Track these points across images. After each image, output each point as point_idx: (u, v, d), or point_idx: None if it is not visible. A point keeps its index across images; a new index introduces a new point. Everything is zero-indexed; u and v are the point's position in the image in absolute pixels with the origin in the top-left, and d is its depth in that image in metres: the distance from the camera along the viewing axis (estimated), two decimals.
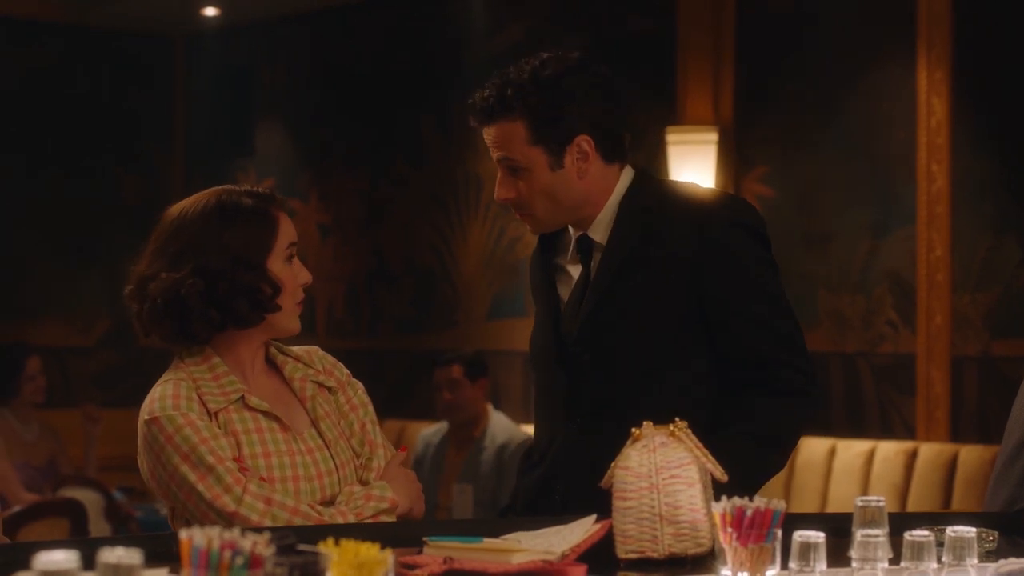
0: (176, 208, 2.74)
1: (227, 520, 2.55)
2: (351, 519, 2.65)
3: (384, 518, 2.70)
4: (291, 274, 2.73)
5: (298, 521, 2.59)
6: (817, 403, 2.99)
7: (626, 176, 3.06)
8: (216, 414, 2.66)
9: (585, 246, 3.06)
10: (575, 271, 3.08)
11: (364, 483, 2.75)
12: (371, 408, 2.88)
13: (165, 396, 2.65)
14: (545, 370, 3.12)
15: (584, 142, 2.98)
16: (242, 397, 2.69)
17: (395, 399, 8.60)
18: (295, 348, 2.86)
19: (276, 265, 2.71)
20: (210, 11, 9.65)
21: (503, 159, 2.99)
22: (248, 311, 2.68)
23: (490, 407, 6.75)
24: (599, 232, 3.04)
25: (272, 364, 2.80)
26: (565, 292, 3.09)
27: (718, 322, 2.95)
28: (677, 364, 2.94)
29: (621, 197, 3.04)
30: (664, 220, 3.00)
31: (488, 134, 3.01)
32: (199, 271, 2.65)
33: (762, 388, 2.94)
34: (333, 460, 2.73)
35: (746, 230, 2.99)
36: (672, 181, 3.15)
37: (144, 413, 2.66)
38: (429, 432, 6.90)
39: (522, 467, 3.17)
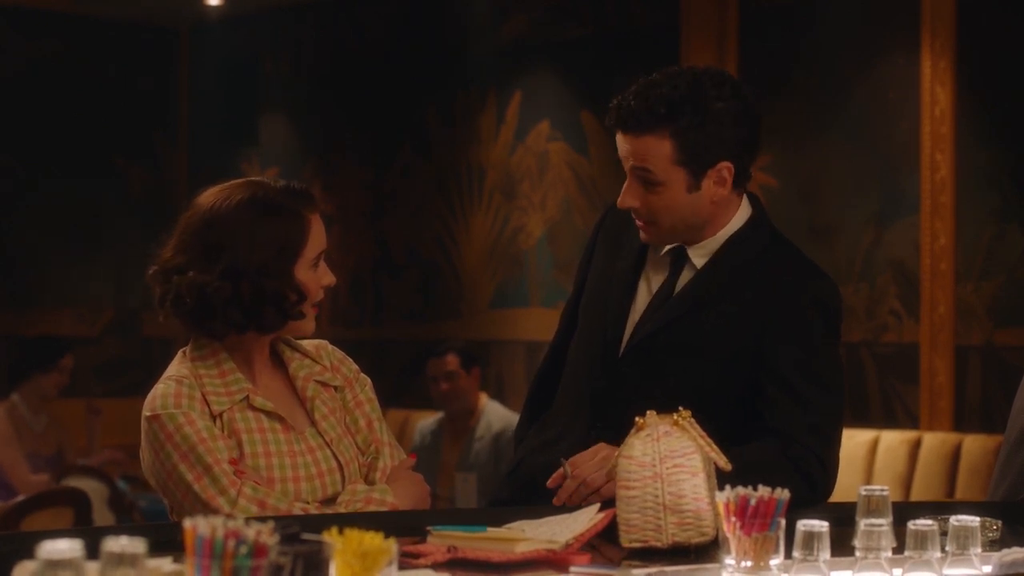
0: (207, 199, 2.70)
1: None
2: None
3: None
4: (315, 279, 2.72)
5: None
6: (815, 496, 2.81)
7: (744, 209, 2.97)
8: (219, 415, 2.66)
9: (679, 260, 2.97)
10: (653, 277, 2.99)
11: (370, 483, 2.75)
12: (377, 405, 2.87)
13: (168, 395, 2.64)
14: (585, 363, 3.03)
15: (725, 169, 2.87)
16: (247, 397, 2.69)
17: (399, 389, 8.61)
18: (305, 342, 2.85)
19: (302, 271, 2.70)
20: (213, 1, 9.63)
21: (639, 170, 2.87)
22: (274, 318, 2.68)
23: (484, 396, 6.80)
24: (699, 255, 2.95)
25: (278, 359, 2.80)
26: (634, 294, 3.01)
27: (760, 385, 2.86)
28: (718, 406, 2.78)
29: (733, 232, 2.95)
30: (756, 277, 2.92)
31: (627, 142, 2.87)
32: (228, 273, 2.64)
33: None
34: (336, 459, 2.72)
35: (822, 311, 2.92)
36: (779, 237, 3.02)
37: (147, 409, 2.66)
38: (425, 423, 6.95)
39: (537, 439, 3.08)
